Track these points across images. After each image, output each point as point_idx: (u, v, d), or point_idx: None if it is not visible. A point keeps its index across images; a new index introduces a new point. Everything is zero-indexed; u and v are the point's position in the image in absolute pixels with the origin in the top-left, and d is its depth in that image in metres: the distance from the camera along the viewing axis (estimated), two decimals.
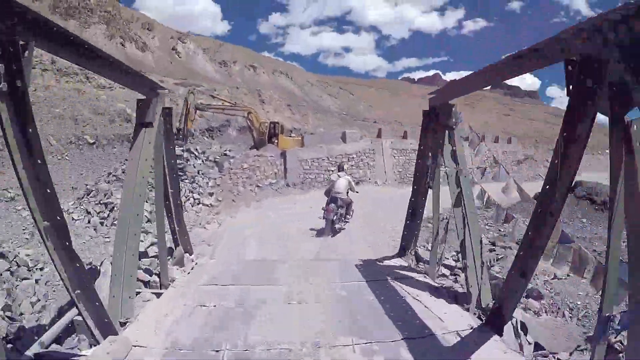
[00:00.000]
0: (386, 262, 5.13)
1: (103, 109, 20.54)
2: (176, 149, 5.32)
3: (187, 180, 12.43)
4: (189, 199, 11.58)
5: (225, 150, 15.83)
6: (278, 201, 12.91)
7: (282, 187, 14.45)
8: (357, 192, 8.81)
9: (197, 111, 17.27)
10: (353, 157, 16.54)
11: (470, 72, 3.84)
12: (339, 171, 8.64)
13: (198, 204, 11.75)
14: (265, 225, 9.62)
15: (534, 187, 5.57)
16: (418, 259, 5.47)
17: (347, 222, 8.51)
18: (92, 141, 17.71)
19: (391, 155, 18.09)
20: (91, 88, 22.41)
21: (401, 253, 5.32)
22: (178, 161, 7.58)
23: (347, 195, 8.25)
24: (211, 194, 12.48)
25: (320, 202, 8.84)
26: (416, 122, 13.59)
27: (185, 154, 14.34)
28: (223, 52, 52.94)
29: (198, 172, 13.45)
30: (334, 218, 8.00)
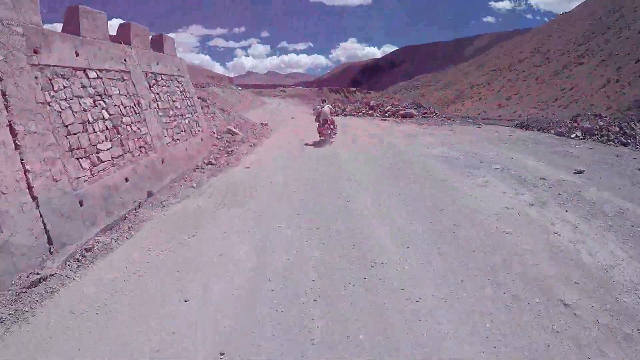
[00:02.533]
0: None
1: None
2: None
3: None
4: None
5: None
6: None
7: None
8: (337, 115, 14.72)
9: None
10: None
11: None
12: (322, 103, 13.49)
13: None
14: None
15: None
16: None
17: (335, 134, 12.77)
18: None
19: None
20: None
21: None
22: None
23: (330, 116, 12.69)
24: None
25: None
26: None
27: None
28: None
29: None
30: (328, 132, 12.35)
